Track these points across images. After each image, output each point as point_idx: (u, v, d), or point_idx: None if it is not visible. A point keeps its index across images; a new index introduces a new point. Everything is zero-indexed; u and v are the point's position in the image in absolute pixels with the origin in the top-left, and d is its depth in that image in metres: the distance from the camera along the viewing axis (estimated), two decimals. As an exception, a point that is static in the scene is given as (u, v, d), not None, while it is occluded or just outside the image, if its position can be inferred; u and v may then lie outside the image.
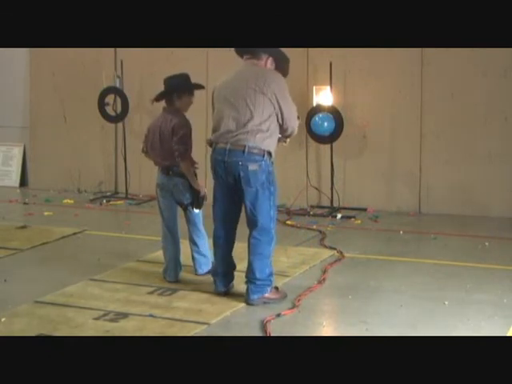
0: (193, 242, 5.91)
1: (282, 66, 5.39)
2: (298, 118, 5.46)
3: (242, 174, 5.18)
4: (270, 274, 5.32)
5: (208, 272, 5.84)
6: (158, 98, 5.85)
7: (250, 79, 5.22)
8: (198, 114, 8.11)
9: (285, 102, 5.22)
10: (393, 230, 7.59)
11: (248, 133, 5.17)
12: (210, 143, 5.38)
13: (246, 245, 5.30)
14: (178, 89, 5.77)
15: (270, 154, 5.24)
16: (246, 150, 5.17)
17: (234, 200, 5.35)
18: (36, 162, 10.36)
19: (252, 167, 5.18)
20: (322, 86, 8.40)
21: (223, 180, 5.31)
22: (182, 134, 5.63)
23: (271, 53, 5.31)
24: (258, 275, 5.24)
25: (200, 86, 5.95)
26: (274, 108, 5.18)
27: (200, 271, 5.91)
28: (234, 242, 5.50)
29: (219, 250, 5.49)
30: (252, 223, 5.29)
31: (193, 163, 5.72)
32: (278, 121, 5.24)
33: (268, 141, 5.22)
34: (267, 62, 5.33)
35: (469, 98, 8.21)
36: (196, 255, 5.91)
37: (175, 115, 5.71)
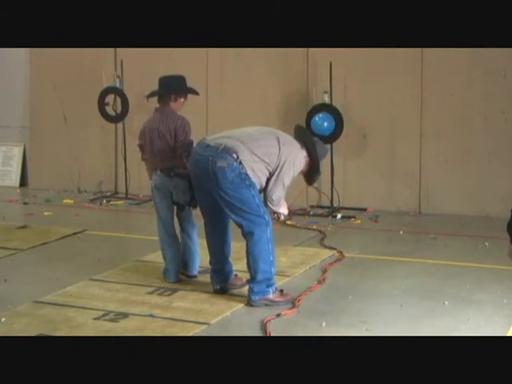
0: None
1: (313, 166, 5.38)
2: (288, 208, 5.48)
3: (210, 169, 5.03)
4: (271, 274, 5.27)
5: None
6: (152, 95, 5.87)
7: (281, 133, 5.31)
8: (198, 114, 8.14)
9: (286, 172, 5.18)
10: (393, 230, 7.59)
11: (239, 142, 5.11)
12: None
13: (244, 244, 5.27)
14: (178, 91, 5.78)
15: (244, 169, 5.04)
16: (222, 147, 5.07)
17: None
18: (36, 161, 10.37)
19: (220, 163, 5.02)
20: (322, 86, 8.40)
21: (195, 176, 5.24)
22: (187, 133, 5.65)
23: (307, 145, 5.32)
24: (258, 276, 5.21)
25: (195, 92, 5.98)
26: (277, 167, 5.15)
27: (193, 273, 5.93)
28: (225, 236, 5.45)
29: (209, 245, 5.49)
30: (239, 225, 5.18)
31: None
32: (269, 175, 5.19)
33: (251, 163, 5.07)
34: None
35: (469, 97, 8.21)
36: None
37: (173, 116, 5.72)
